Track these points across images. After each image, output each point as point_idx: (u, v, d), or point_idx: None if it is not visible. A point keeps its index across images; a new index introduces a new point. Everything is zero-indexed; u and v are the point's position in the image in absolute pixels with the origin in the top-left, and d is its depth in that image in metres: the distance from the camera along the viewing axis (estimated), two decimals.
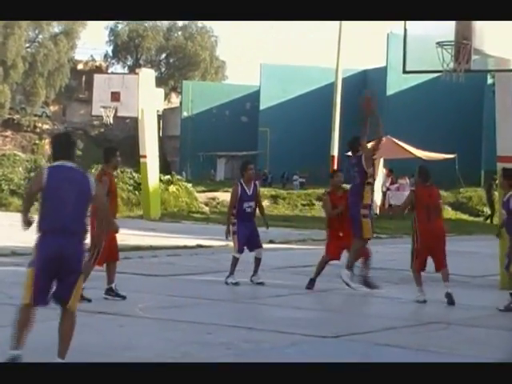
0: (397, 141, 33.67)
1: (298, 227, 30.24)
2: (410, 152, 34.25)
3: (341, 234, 13.96)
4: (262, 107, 62.57)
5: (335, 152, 25.34)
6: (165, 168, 47.43)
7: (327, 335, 10.27)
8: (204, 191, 45.51)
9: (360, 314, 12.58)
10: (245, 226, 14.32)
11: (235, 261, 14.22)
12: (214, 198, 42.21)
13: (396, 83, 53.67)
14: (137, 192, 38.18)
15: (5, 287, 13.07)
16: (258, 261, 14.34)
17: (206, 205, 40.66)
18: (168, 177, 41.88)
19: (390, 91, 55.85)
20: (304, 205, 42.32)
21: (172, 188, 40.04)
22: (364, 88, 56.48)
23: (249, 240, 14.32)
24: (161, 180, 36.99)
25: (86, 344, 9.00)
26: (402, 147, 33.86)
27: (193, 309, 12.24)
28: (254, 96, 64.09)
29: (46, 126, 72.40)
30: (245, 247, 14.42)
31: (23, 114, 72.42)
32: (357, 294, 13.69)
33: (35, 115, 72.32)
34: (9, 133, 70.98)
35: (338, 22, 25.74)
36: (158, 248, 20.35)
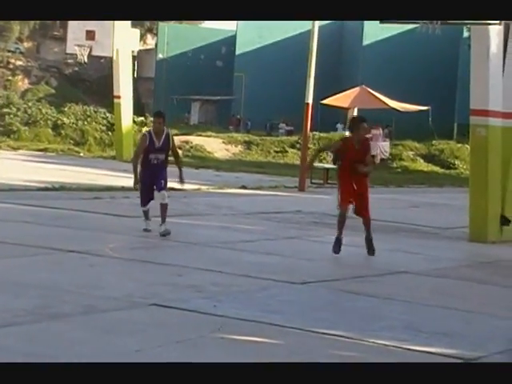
0: (372, 91, 33.63)
1: (270, 174, 30.25)
2: (385, 103, 34.23)
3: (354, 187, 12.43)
4: (237, 52, 62.06)
5: (310, 100, 25.15)
6: (138, 109, 47.11)
7: (296, 281, 10.25)
8: (177, 134, 45.23)
9: (330, 262, 12.49)
10: (149, 175, 13.58)
11: (144, 213, 13.67)
12: (187, 142, 41.99)
13: (373, 33, 53.40)
14: (110, 132, 37.97)
15: None
16: (162, 207, 13.30)
17: (180, 148, 40.39)
18: (142, 118, 41.64)
19: (366, 41, 55.59)
20: (277, 151, 42.25)
21: (145, 130, 39.81)
22: (341, 37, 56.28)
23: (153, 185, 13.55)
24: (134, 121, 36.76)
25: (57, 281, 9.04)
26: (377, 97, 33.84)
27: (163, 251, 12.31)
28: (230, 41, 63.48)
29: (19, 63, 71.43)
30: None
31: None
32: (328, 242, 13.72)
33: (8, 51, 71.29)
34: None
35: None
36: (129, 189, 20.24)
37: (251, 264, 11.26)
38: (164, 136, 13.52)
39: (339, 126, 46.54)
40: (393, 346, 7.18)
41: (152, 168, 13.47)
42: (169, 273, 10.18)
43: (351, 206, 12.50)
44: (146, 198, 13.57)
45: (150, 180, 13.51)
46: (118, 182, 21.27)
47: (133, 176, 13.65)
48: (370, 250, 12.47)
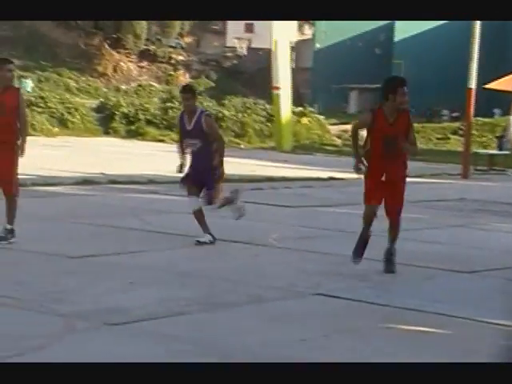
0: None
1: (431, 161, 29.80)
2: None
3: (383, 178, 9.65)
4: (396, 39, 61.44)
5: (473, 85, 24.51)
6: (297, 100, 47.30)
7: (463, 270, 10.05)
8: (336, 124, 45.33)
9: (498, 251, 11.85)
10: (192, 167, 11.14)
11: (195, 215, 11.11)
12: (345, 131, 41.98)
13: None
14: (269, 123, 38.36)
15: (142, 213, 13.45)
16: (195, 215, 11.00)
17: (339, 137, 40.56)
18: (300, 109, 41.80)
19: None
20: (439, 138, 41.62)
21: (304, 120, 40.02)
22: (501, 25, 54.91)
23: (198, 180, 11.05)
24: (293, 112, 37.01)
25: (222, 270, 9.19)
26: None
27: (325, 240, 12.22)
28: (389, 28, 62.88)
29: (180, 58, 73.12)
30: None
31: (158, 46, 73.30)
32: (494, 231, 13.32)
33: (170, 46, 73.14)
34: (145, 63, 71.90)
35: None
36: (290, 179, 20.40)
37: (415, 253, 11.07)
38: (196, 117, 10.85)
39: (496, 110, 45.29)
40: None
41: (194, 158, 11.12)
42: (331, 262, 10.18)
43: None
44: (190, 192, 11.09)
45: (194, 173, 11.10)
46: (279, 173, 21.48)
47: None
48: (389, 264, 9.49)
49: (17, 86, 10.22)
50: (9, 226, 10.18)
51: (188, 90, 11.53)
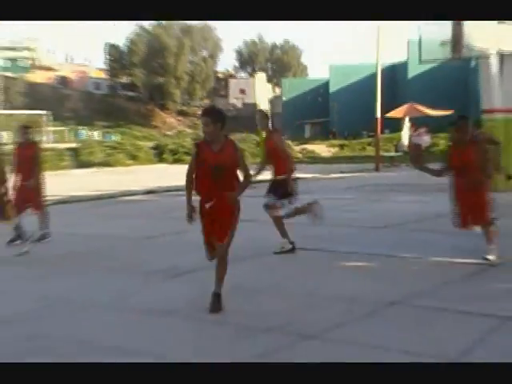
0: (416, 105, 32.34)
1: (357, 162, 29.46)
2: (425, 112, 32.84)
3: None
4: (330, 91, 61.48)
5: (378, 115, 24.85)
6: None
7: (379, 226, 9.39)
8: (298, 145, 44.61)
9: (400, 213, 10.94)
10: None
11: None
12: (304, 149, 41.59)
13: (414, 70, 51.79)
14: (258, 148, 37.86)
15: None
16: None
17: (300, 153, 39.92)
18: None
19: (410, 75, 53.94)
20: (360, 149, 41.40)
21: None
22: (393, 75, 54.66)
23: None
24: None
25: None
26: (420, 109, 32.41)
27: None
28: (325, 85, 62.98)
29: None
30: None
31: (188, 106, 73.07)
32: (398, 202, 12.88)
33: (195, 106, 72.88)
34: (180, 118, 71.81)
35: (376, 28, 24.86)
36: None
37: (345, 218, 10.32)
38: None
39: (386, 130, 45.30)
40: None
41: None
42: None
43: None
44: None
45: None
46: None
47: None
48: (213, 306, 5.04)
49: (35, 140, 9.20)
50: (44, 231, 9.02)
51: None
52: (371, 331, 4.51)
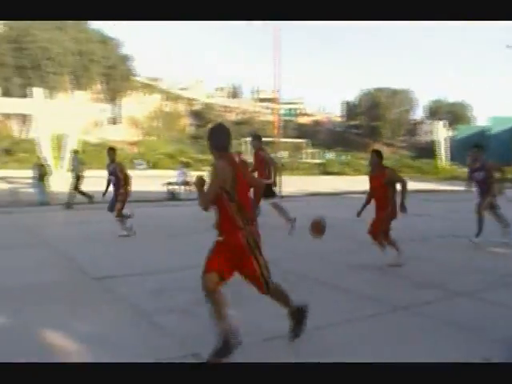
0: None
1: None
2: None
3: None
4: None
5: None
6: None
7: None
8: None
9: None
10: None
11: None
12: None
13: None
14: None
15: None
16: None
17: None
18: None
19: None
20: None
21: None
22: None
23: None
24: None
25: None
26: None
27: None
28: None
29: None
30: None
31: (392, 140, 74.25)
32: None
33: (398, 141, 74.36)
34: (386, 147, 69.11)
35: None
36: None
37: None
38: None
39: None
40: None
41: None
42: None
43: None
44: None
45: None
46: None
47: None
48: None
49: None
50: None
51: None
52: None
